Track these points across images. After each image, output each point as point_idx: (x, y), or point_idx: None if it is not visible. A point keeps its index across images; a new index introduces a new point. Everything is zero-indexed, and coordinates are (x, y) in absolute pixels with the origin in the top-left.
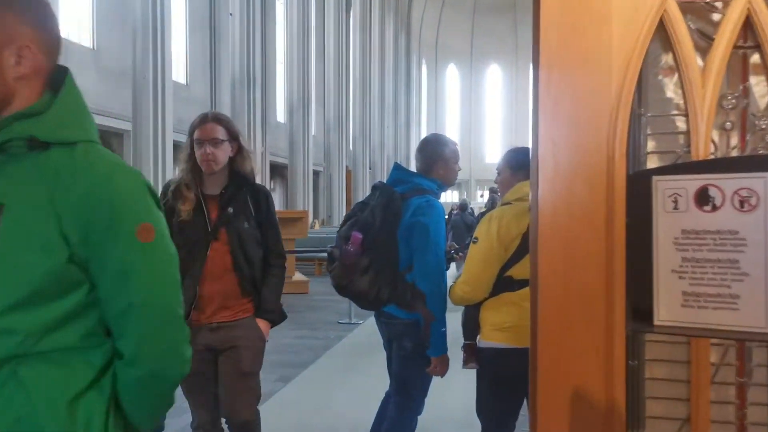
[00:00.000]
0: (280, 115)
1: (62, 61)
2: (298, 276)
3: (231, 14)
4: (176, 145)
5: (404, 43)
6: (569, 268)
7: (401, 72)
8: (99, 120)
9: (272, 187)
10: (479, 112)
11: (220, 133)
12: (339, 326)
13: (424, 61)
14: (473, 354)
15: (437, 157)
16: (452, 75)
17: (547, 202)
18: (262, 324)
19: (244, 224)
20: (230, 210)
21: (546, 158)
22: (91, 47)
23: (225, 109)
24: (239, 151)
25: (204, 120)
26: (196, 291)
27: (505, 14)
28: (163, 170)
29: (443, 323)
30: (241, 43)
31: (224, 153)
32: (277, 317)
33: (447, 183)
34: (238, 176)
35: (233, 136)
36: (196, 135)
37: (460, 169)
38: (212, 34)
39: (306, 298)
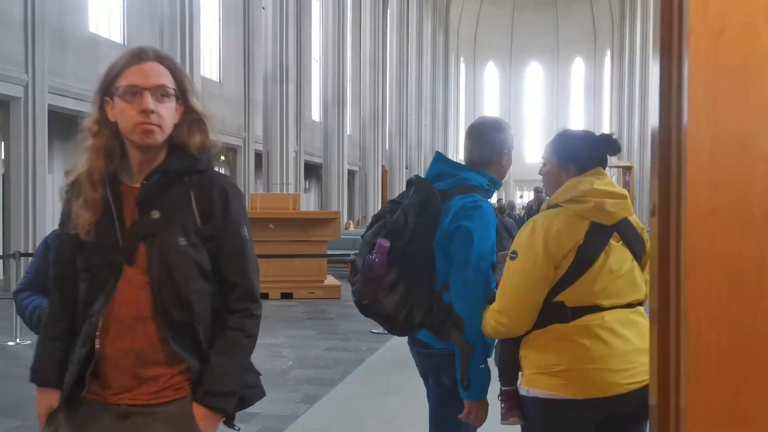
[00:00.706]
0: (315, 113)
1: (92, 56)
2: (330, 279)
3: (264, 8)
4: None
5: (442, 40)
6: (740, 299)
7: (439, 70)
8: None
9: (307, 186)
10: (519, 110)
11: (168, 80)
12: (372, 336)
13: (462, 58)
14: (515, 405)
15: (499, 147)
16: (491, 73)
17: (701, 201)
18: (200, 414)
19: (178, 239)
20: (154, 214)
21: (699, 132)
22: (122, 42)
23: (258, 107)
24: (186, 115)
25: (141, 56)
26: (93, 347)
27: (545, 10)
28: None
29: (483, 358)
30: (274, 39)
31: (171, 114)
32: (227, 404)
33: (500, 179)
34: (177, 156)
35: (181, 91)
36: (126, 80)
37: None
38: (245, 29)
39: (337, 303)
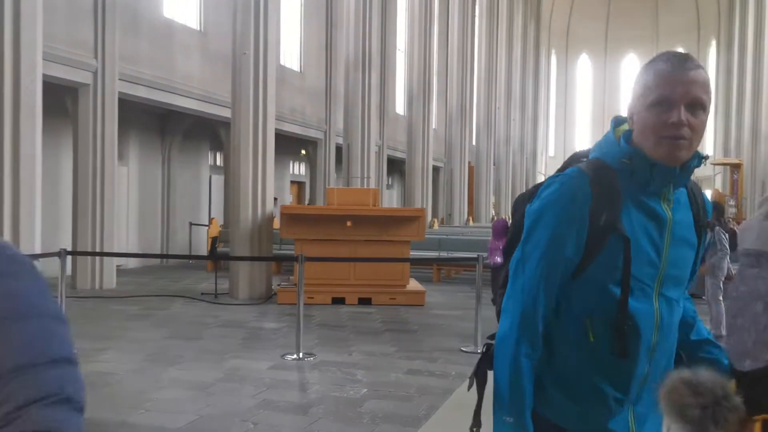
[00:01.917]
0: (399, 106)
1: (167, 42)
2: (412, 284)
3: None
4: (279, 134)
5: (533, 32)
6: None
7: (529, 63)
8: (206, 108)
9: (390, 183)
10: (613, 105)
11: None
12: (462, 357)
13: (553, 51)
14: None
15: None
16: (584, 65)
17: None
18: None
19: None
20: None
21: None
22: (198, 29)
23: (339, 98)
24: None
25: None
26: None
27: None
28: (263, 165)
29: (508, 408)
30: (357, 27)
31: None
32: None
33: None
34: None
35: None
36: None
37: None
38: (327, 17)
39: (422, 312)
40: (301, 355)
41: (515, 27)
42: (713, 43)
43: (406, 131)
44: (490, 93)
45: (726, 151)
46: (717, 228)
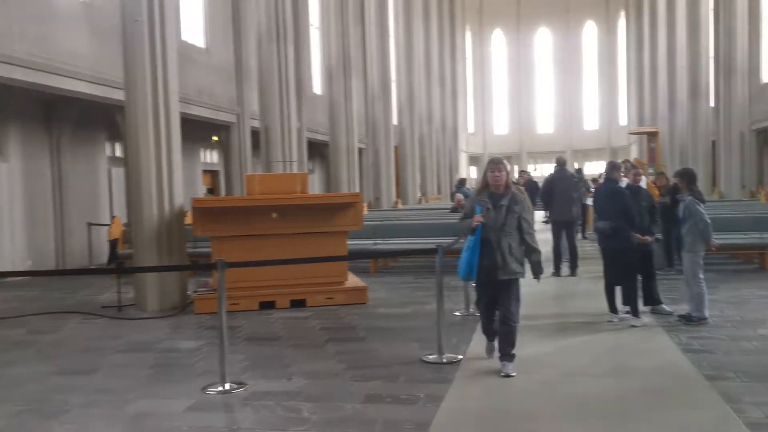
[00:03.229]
0: (317, 85)
1: (45, 14)
2: (352, 280)
3: None
4: (186, 119)
5: (448, 6)
6: None
7: (446, 38)
8: (99, 91)
9: (311, 168)
10: (528, 79)
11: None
12: (426, 369)
13: (468, 26)
14: None
15: None
16: (498, 41)
17: None
18: None
19: None
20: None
21: None
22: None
23: (252, 76)
24: None
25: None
26: None
27: None
28: (168, 154)
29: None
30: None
31: None
32: None
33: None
34: None
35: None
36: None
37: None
38: None
39: (365, 312)
40: (227, 386)
41: (431, 2)
42: (622, 14)
43: (325, 111)
44: (411, 69)
45: (641, 121)
46: (689, 198)
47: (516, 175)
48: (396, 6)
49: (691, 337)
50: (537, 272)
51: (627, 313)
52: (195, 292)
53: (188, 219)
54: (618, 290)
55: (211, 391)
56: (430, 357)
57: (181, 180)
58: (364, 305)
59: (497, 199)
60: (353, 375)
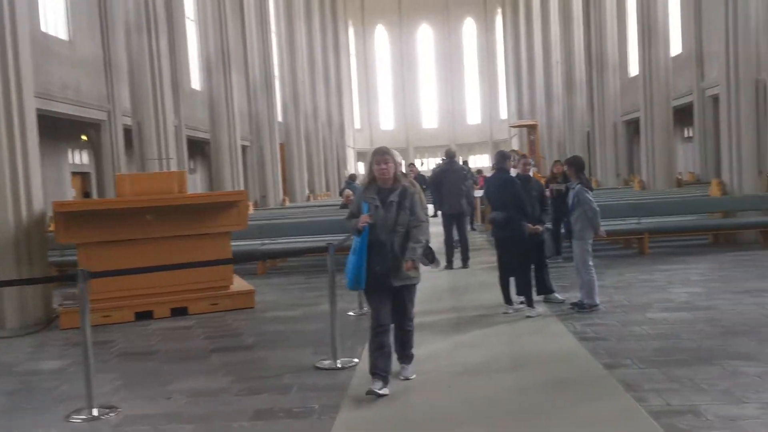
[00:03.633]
0: (195, 81)
1: None
2: (237, 283)
3: None
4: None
5: (329, 2)
6: None
7: (329, 33)
8: None
9: (192, 167)
10: (412, 75)
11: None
12: (320, 377)
13: (350, 21)
14: None
15: None
16: (381, 37)
17: None
18: None
19: None
20: None
21: None
22: None
23: (122, 70)
24: None
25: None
26: None
27: None
28: (24, 155)
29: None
30: None
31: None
32: None
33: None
34: None
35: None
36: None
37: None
38: None
39: (253, 317)
40: (95, 411)
41: None
42: (499, 11)
43: (206, 108)
44: (294, 65)
45: (520, 114)
46: (578, 186)
47: (403, 168)
48: (277, 1)
49: (585, 324)
50: (430, 260)
51: (521, 303)
52: (61, 305)
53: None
54: (512, 281)
55: (76, 418)
56: (325, 363)
57: (40, 183)
58: (252, 310)
59: (386, 195)
60: (241, 389)
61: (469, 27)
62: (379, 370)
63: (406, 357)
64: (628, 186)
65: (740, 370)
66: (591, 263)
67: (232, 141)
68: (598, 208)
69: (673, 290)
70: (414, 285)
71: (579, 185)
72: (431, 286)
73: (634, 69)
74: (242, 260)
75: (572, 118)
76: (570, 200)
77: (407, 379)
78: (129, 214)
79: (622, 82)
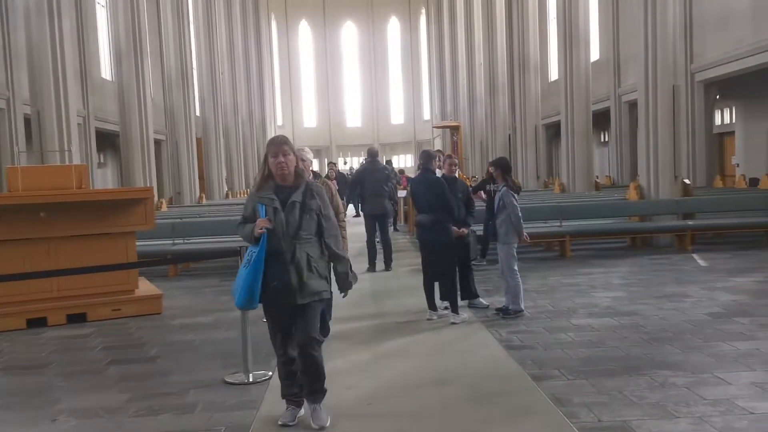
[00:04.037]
0: (106, 70)
1: None
2: (144, 286)
3: None
4: None
5: None
6: None
7: (250, 26)
8: None
9: (102, 161)
10: (336, 73)
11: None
12: (230, 393)
13: (273, 16)
14: None
15: None
16: (305, 33)
17: None
18: None
19: None
20: None
21: None
22: None
23: (20, 55)
24: None
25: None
26: None
27: None
28: None
29: None
30: None
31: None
32: None
33: None
34: None
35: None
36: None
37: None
38: None
39: (160, 324)
40: None
41: None
42: (423, 11)
43: (116, 99)
44: (213, 57)
45: (444, 115)
46: (504, 189)
47: (318, 167)
48: None
49: (511, 331)
50: (344, 287)
51: (446, 308)
52: None
53: None
54: (436, 285)
55: None
56: (235, 376)
57: None
58: (159, 316)
59: (287, 194)
60: (139, 408)
61: (393, 26)
62: (292, 396)
63: (315, 394)
64: (548, 188)
65: (669, 381)
66: (516, 268)
67: (144, 134)
68: (520, 214)
69: (596, 294)
70: (324, 300)
71: (504, 188)
72: (353, 291)
73: (554, 73)
74: (144, 264)
75: (495, 119)
76: (495, 203)
77: (322, 428)
78: (20, 210)
79: (542, 85)
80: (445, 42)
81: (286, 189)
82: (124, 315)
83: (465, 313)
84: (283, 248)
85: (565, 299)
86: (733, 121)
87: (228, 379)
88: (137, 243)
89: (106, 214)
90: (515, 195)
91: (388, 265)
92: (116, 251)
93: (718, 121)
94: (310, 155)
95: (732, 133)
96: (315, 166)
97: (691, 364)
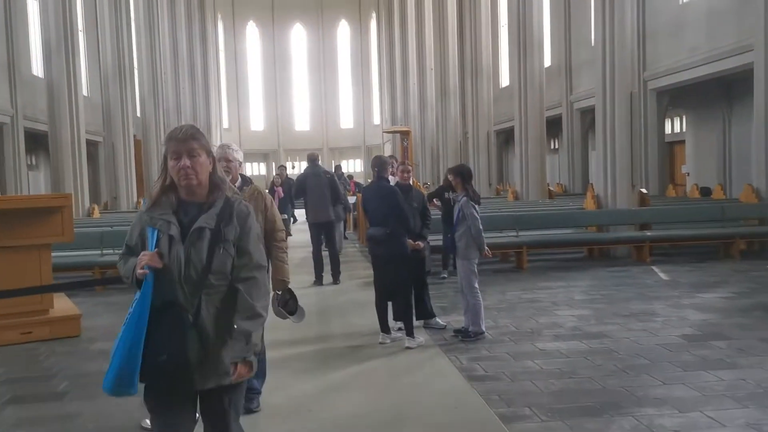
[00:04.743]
0: (36, 66)
1: None
2: (61, 305)
3: None
4: None
5: None
6: None
7: (195, 26)
8: None
9: (33, 163)
10: (285, 75)
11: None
12: None
13: (220, 16)
14: None
15: None
16: (252, 34)
17: None
18: None
19: None
20: None
21: None
22: None
23: None
24: None
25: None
26: None
27: None
28: None
29: None
30: None
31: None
32: None
33: None
34: None
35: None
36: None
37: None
38: None
39: (76, 349)
40: None
41: None
42: (374, 15)
43: (46, 97)
44: (154, 55)
45: (394, 120)
46: (464, 199)
47: (266, 171)
48: None
49: (472, 358)
50: (240, 353)
51: (399, 329)
52: None
53: None
54: (390, 305)
55: None
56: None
57: None
58: (76, 339)
59: (193, 216)
60: None
61: (343, 29)
62: None
63: None
64: (500, 195)
65: (656, 423)
66: (477, 285)
67: (75, 134)
68: (481, 227)
69: (559, 313)
70: (239, 385)
71: (464, 197)
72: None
73: (505, 79)
74: (62, 289)
75: (446, 125)
76: (455, 214)
77: None
78: None
79: (494, 91)
80: (395, 46)
81: (193, 207)
82: (36, 339)
83: (421, 336)
84: (180, 300)
85: (528, 318)
86: (684, 129)
87: (145, 425)
88: (60, 254)
89: (16, 225)
90: (476, 206)
91: (335, 278)
92: (28, 267)
93: (668, 129)
94: (238, 154)
95: (682, 141)
96: (262, 170)
97: (676, 399)
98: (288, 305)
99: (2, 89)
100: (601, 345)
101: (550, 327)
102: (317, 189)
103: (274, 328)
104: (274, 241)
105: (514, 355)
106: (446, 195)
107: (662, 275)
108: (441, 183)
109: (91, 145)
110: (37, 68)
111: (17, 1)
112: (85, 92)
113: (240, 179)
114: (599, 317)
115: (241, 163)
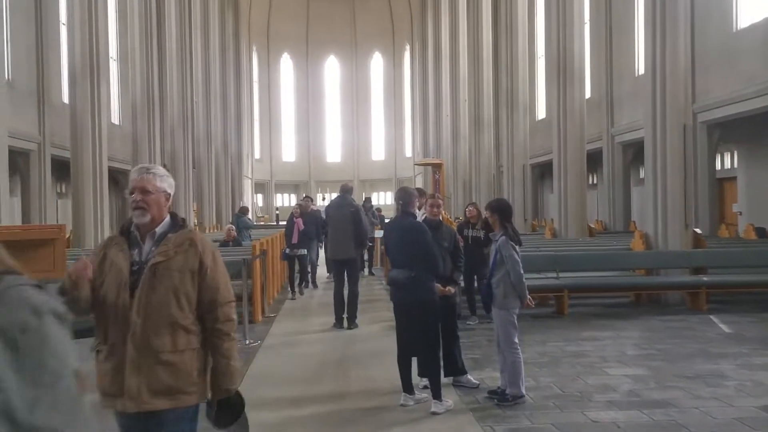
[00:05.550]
0: (66, 93)
1: None
2: None
3: None
4: None
5: (232, 23)
6: None
7: (229, 56)
8: None
9: (62, 190)
10: (318, 107)
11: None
12: None
13: (255, 47)
14: None
15: None
16: (287, 66)
17: None
18: None
19: None
20: None
21: None
22: None
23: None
24: None
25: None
26: None
27: (342, 1)
28: None
29: None
30: None
31: None
32: None
33: None
34: None
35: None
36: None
37: None
38: None
39: None
40: None
41: (211, 13)
42: (408, 47)
43: (71, 124)
44: (185, 84)
45: (426, 152)
46: (502, 238)
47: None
48: (168, 11)
49: (511, 429)
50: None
51: (425, 388)
52: None
53: None
54: (414, 360)
55: None
56: None
57: None
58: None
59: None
60: None
61: (376, 61)
62: None
63: None
64: (536, 232)
65: None
66: (516, 340)
67: (97, 162)
68: (522, 272)
69: (610, 371)
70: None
71: (503, 237)
72: (311, 355)
73: (541, 112)
74: None
75: (479, 157)
76: (492, 256)
77: None
78: None
79: (530, 124)
80: (429, 78)
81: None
82: None
83: (449, 398)
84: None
85: (574, 377)
86: (735, 165)
87: None
88: None
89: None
90: (516, 246)
91: (351, 321)
92: None
93: (717, 165)
94: (164, 182)
95: (733, 178)
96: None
97: None
98: (220, 421)
99: (31, 115)
100: (666, 417)
101: (601, 390)
102: (338, 222)
103: (275, 384)
104: (215, 321)
105: (561, 427)
106: (465, 232)
107: (723, 327)
108: (461, 218)
109: (121, 174)
110: (64, 95)
111: (49, 29)
112: (116, 121)
113: (168, 219)
114: (659, 379)
115: (170, 195)
